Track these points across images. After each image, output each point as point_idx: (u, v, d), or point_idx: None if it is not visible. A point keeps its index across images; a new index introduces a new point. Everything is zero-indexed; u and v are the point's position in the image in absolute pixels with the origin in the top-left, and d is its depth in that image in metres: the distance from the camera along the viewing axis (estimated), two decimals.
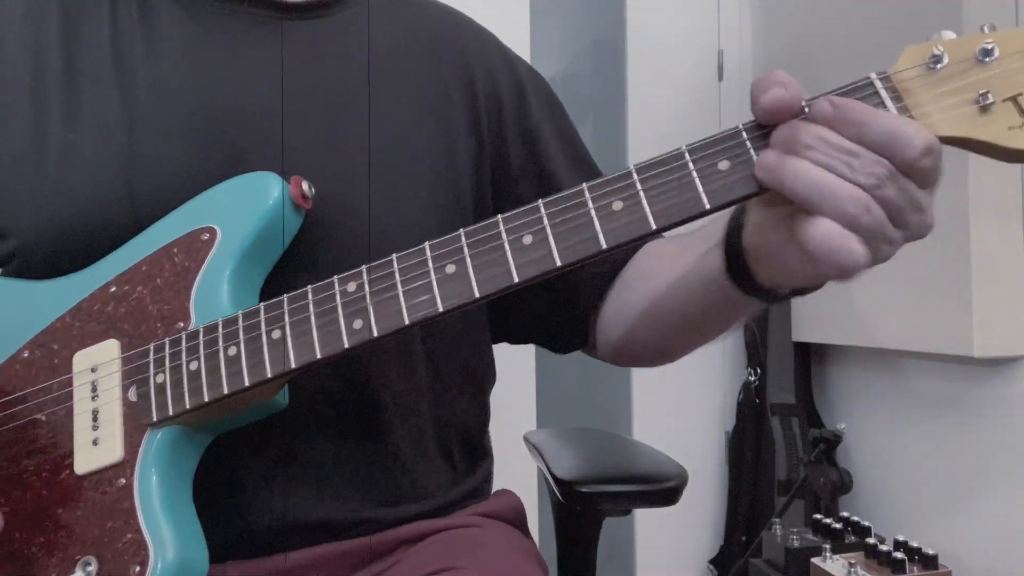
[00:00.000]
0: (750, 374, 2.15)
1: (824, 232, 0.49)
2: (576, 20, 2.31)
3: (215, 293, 0.64)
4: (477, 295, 0.57)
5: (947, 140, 0.52)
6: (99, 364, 0.65)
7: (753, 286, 0.62)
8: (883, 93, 0.53)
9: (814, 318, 2.02)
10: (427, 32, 0.83)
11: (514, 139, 0.82)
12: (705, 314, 0.72)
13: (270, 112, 0.72)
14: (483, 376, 0.85)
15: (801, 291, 0.62)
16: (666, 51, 2.23)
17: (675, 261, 0.74)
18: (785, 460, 2.03)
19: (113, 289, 0.67)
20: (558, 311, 0.83)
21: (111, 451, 0.62)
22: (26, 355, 0.68)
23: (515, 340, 0.89)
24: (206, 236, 0.66)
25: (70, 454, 0.63)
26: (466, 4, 0.92)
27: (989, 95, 0.51)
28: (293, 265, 0.68)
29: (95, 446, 0.63)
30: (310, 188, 0.68)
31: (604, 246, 0.55)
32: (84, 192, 0.69)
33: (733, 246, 0.62)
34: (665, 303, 0.75)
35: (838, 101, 0.51)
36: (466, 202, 0.79)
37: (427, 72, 0.80)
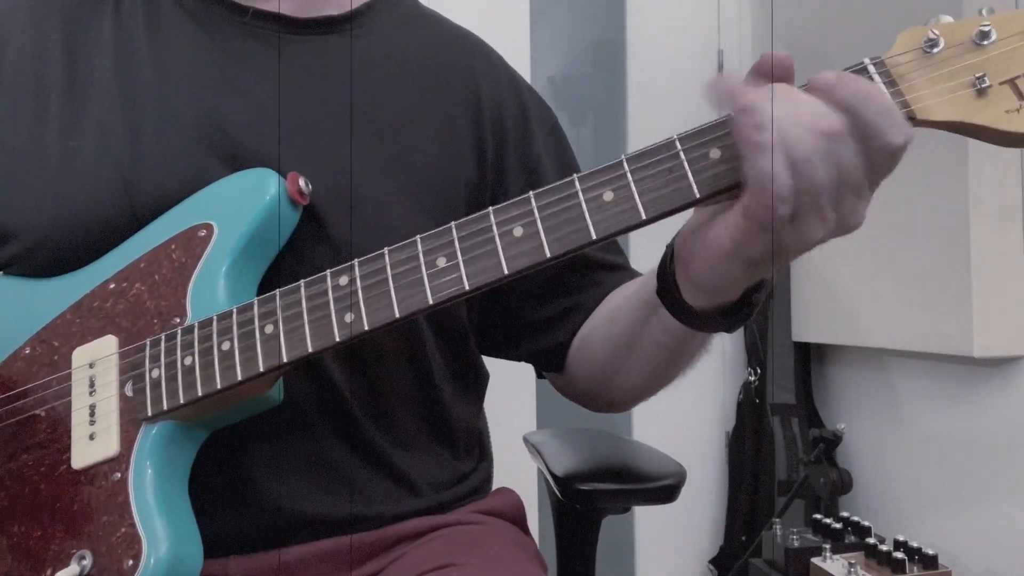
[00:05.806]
0: (750, 374, 2.15)
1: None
2: (576, 20, 2.31)
3: (212, 289, 0.64)
4: (467, 287, 0.57)
5: (943, 125, 0.51)
6: (97, 360, 0.65)
7: (679, 305, 0.63)
8: (877, 78, 0.52)
9: (814, 318, 2.02)
10: (438, 54, 0.83)
11: (514, 169, 0.82)
12: (637, 337, 0.73)
13: (272, 122, 0.72)
14: (475, 377, 0.85)
15: (730, 318, 0.63)
16: (666, 51, 2.23)
17: (626, 290, 0.76)
18: (785, 460, 2.02)
19: (112, 286, 0.68)
20: (541, 333, 0.83)
21: (107, 446, 0.62)
22: (27, 351, 0.68)
23: (502, 354, 0.88)
24: (203, 232, 0.66)
25: (67, 449, 0.64)
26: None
27: (986, 78, 0.50)
28: (290, 261, 0.69)
29: (92, 441, 0.63)
30: (307, 184, 0.68)
31: (594, 236, 0.55)
32: (83, 199, 0.69)
33: (664, 266, 0.64)
34: (605, 327, 0.78)
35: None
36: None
37: (435, 95, 0.80)
